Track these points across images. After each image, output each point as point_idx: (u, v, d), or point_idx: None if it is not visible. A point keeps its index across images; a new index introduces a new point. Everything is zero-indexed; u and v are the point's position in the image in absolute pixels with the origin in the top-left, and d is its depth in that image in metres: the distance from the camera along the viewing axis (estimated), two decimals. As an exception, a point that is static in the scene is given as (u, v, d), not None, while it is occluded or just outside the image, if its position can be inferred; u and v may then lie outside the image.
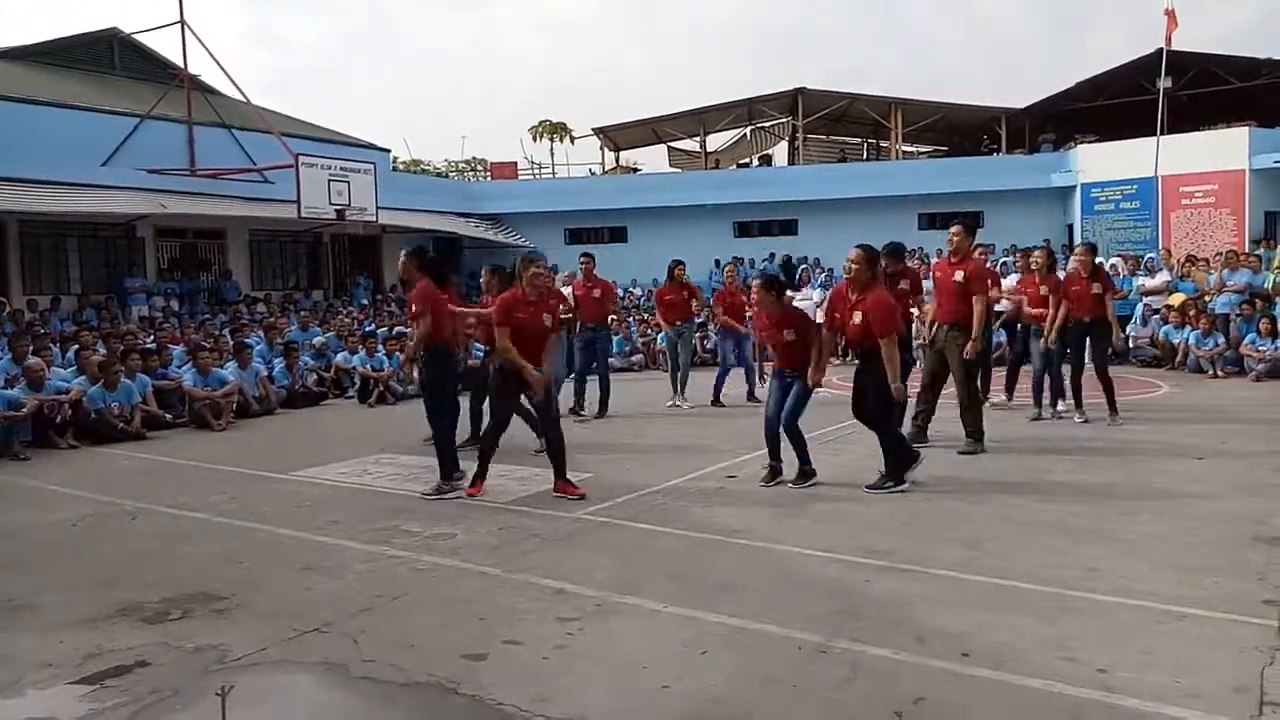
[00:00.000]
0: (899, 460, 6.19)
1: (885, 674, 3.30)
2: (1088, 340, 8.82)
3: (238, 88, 18.87)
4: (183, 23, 18.37)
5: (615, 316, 13.90)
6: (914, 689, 3.16)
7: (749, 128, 30.67)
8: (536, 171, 33.59)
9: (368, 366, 12.27)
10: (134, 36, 20.74)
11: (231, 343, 12.31)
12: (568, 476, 6.26)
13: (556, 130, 37.74)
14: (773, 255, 23.16)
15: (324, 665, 3.54)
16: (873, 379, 6.18)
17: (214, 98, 19.75)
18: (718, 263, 20.09)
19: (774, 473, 6.51)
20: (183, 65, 18.80)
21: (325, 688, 3.43)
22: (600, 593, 4.21)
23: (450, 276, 8.00)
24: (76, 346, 11.37)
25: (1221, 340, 12.21)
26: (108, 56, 20.64)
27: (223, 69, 18.73)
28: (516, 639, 3.71)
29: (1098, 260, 9.32)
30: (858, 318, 6.11)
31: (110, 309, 15.86)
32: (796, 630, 3.69)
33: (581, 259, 10.47)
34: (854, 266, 6.18)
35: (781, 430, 6.40)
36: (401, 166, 31.34)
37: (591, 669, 3.42)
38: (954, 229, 7.77)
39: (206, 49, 18.56)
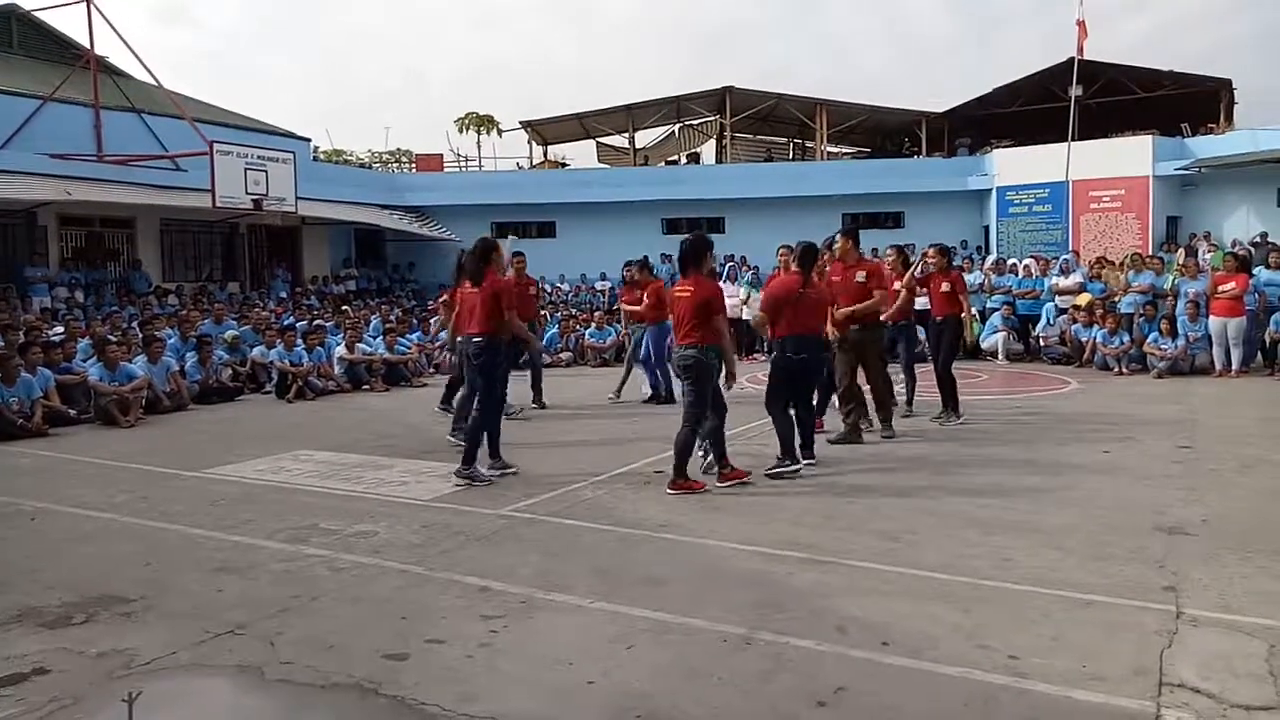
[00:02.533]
0: (788, 443, 6.48)
1: (808, 664, 3.35)
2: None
3: (148, 70, 18.20)
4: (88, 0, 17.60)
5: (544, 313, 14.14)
6: (835, 679, 3.21)
7: (678, 125, 30.84)
8: (463, 164, 33.19)
9: (286, 361, 11.94)
10: (35, 14, 19.80)
11: (140, 336, 11.84)
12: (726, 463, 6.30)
13: (483, 123, 37.31)
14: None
15: (238, 668, 3.43)
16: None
17: (122, 80, 18.98)
18: (646, 259, 20.09)
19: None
20: (88, 45, 18.01)
21: (240, 691, 3.32)
22: (525, 589, 4.18)
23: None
24: (-29, 339, 10.81)
25: (1126, 339, 12.76)
26: (6, 34, 19.69)
27: (132, 50, 18.11)
28: (439, 638, 3.65)
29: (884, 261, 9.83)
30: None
31: (9, 299, 15.09)
32: (721, 623, 3.72)
33: (515, 257, 10.45)
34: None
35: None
36: (323, 156, 30.62)
37: (516, 666, 3.39)
38: (839, 238, 8.17)
39: (114, 28, 17.80)
